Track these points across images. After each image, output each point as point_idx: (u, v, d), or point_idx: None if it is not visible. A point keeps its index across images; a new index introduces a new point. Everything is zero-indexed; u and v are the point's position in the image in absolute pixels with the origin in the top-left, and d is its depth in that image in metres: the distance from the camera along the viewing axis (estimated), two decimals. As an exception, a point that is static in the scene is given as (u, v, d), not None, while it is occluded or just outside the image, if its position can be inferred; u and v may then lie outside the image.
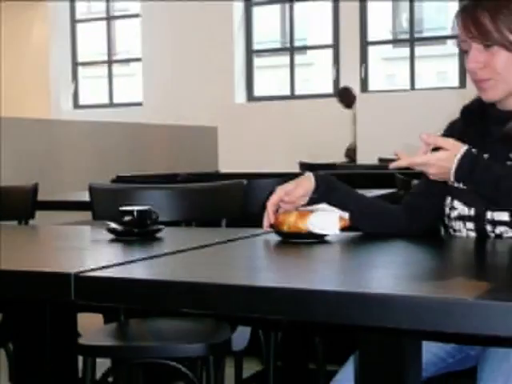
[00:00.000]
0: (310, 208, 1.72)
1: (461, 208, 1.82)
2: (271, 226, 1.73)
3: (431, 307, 1.05)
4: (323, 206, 1.74)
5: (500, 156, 1.76)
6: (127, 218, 1.79)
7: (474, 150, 1.68)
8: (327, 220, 1.65)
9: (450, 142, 1.67)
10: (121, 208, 1.83)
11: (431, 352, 1.79)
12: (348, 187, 1.88)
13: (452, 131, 1.89)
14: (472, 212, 1.79)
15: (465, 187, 1.78)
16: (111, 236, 1.80)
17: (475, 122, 1.84)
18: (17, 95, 9.01)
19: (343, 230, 1.68)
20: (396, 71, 8.98)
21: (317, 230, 1.64)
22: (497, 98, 1.77)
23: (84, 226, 2.71)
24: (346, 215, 1.70)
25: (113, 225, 1.82)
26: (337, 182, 1.86)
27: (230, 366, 3.19)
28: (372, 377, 1.45)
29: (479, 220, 1.78)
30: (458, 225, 1.83)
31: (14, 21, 9.22)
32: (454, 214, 1.83)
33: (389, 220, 1.83)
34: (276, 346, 2.73)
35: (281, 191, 1.77)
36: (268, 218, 1.75)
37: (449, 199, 1.84)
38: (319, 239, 1.64)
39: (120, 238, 1.80)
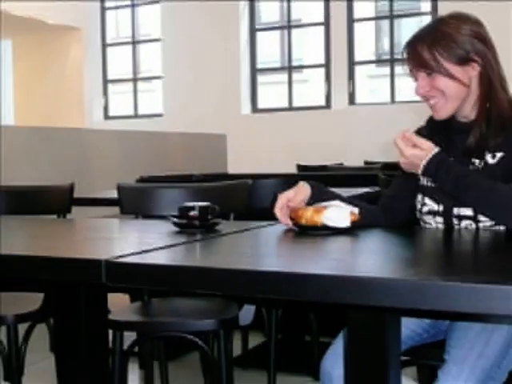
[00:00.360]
0: (324, 204, 1.71)
1: (431, 204, 1.81)
2: (291, 218, 1.72)
3: (409, 288, 1.04)
4: (336, 202, 1.73)
5: (462, 160, 1.76)
6: (191, 213, 1.75)
7: (442, 153, 1.68)
8: (340, 215, 1.63)
9: (425, 143, 1.68)
10: (185, 204, 1.80)
11: (409, 328, 1.79)
12: (333, 191, 1.88)
13: (427, 131, 1.89)
14: (441, 208, 1.79)
15: (434, 185, 1.79)
16: (175, 229, 1.78)
17: (439, 132, 1.83)
18: (56, 108, 9.02)
19: (354, 223, 1.65)
20: (379, 87, 8.94)
21: (330, 224, 1.62)
22: (447, 115, 1.77)
23: (114, 218, 2.71)
24: (356, 210, 1.68)
25: (176, 219, 1.79)
26: (325, 187, 1.86)
27: (238, 338, 3.19)
28: (359, 348, 1.45)
29: (447, 215, 1.77)
30: (428, 219, 1.82)
31: (54, 44, 9.23)
32: (425, 209, 1.82)
33: (369, 218, 1.82)
34: (277, 321, 2.72)
35: (284, 198, 1.75)
36: (284, 219, 1.74)
37: (420, 196, 1.84)
38: (332, 231, 1.63)
39: (183, 230, 1.77)
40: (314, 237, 1.62)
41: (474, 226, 1.72)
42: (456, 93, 1.73)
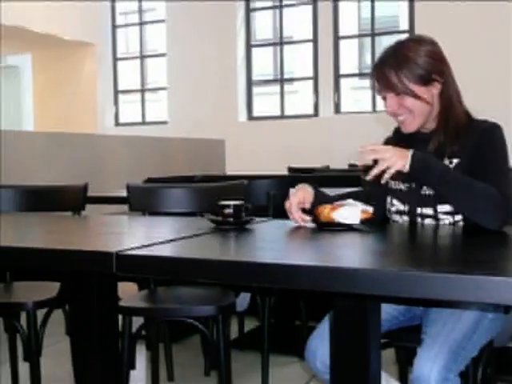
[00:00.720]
0: (339, 202, 1.70)
1: (398, 204, 1.83)
2: (311, 213, 1.71)
3: (389, 278, 1.05)
4: (350, 201, 1.72)
5: None
6: (227, 211, 1.70)
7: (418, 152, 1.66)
8: (350, 213, 1.61)
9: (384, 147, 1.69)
10: (221, 202, 1.74)
11: (387, 312, 1.80)
12: (324, 191, 1.88)
13: (395, 138, 1.90)
14: (406, 208, 1.81)
15: (401, 188, 1.79)
16: (212, 225, 1.73)
17: (405, 140, 1.83)
18: (72, 115, 8.99)
19: (367, 220, 1.63)
20: (361, 97, 8.95)
21: (342, 221, 1.62)
22: (415, 129, 1.78)
23: (123, 215, 2.70)
24: (370, 209, 1.66)
25: (213, 216, 1.75)
26: (318, 188, 1.86)
27: (234, 323, 3.20)
28: (343, 330, 1.45)
29: (411, 214, 1.79)
30: (396, 217, 1.84)
31: (70, 58, 9.21)
32: (393, 209, 1.84)
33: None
34: (270, 307, 2.73)
35: (295, 199, 1.74)
36: (300, 217, 1.72)
37: (389, 198, 1.85)
38: (345, 228, 1.61)
39: (219, 227, 1.72)
40: (305, 232, 1.62)
41: (434, 223, 1.74)
42: (422, 110, 1.75)
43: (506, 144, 1.73)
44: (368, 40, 8.15)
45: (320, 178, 4.00)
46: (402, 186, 1.82)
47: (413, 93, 1.72)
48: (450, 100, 1.77)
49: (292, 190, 1.79)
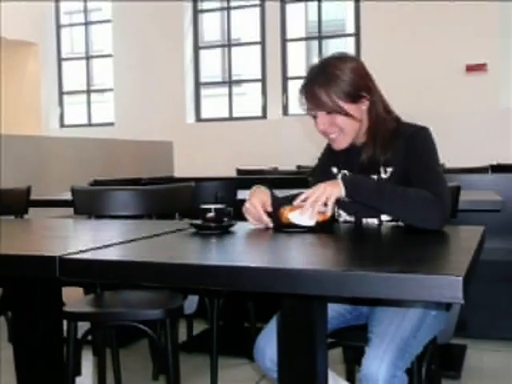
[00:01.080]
0: (298, 202, 1.67)
1: (344, 215, 1.87)
2: (270, 216, 1.70)
3: (332, 278, 1.06)
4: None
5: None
6: (209, 215, 1.65)
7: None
8: (305, 215, 1.61)
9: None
10: (202, 206, 1.69)
11: (334, 310, 1.83)
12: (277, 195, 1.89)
13: (331, 149, 1.92)
14: (352, 218, 1.85)
15: (345, 200, 1.81)
16: (193, 230, 1.68)
17: (338, 154, 1.88)
18: (15, 117, 8.78)
19: (324, 222, 1.63)
20: (309, 99, 9.02)
21: (297, 222, 1.62)
22: (345, 146, 1.81)
23: (68, 218, 2.65)
24: (329, 211, 1.64)
25: (195, 221, 1.70)
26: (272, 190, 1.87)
27: (183, 326, 3.18)
28: (289, 330, 1.46)
29: (358, 224, 1.84)
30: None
31: (12, 58, 8.98)
32: (341, 219, 1.88)
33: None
34: (218, 309, 2.72)
35: (258, 202, 1.72)
36: (265, 218, 1.70)
37: (336, 207, 1.89)
38: (302, 230, 1.61)
39: (200, 231, 1.66)
40: (255, 233, 1.62)
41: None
42: (352, 127, 1.78)
43: (435, 145, 1.78)
44: (315, 43, 8.25)
45: (268, 180, 4.02)
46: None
47: (344, 111, 1.74)
48: (378, 115, 1.81)
49: (249, 192, 1.78)
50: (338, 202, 1.85)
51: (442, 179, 1.69)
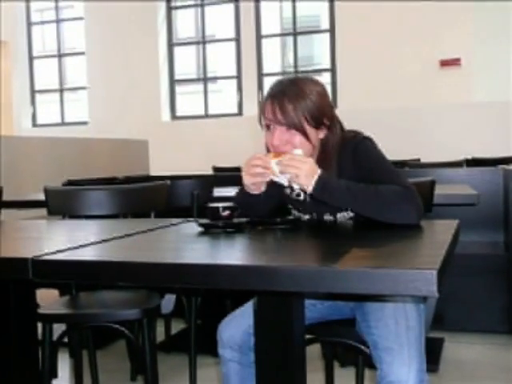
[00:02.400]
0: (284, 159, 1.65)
1: (297, 214, 1.88)
2: None
3: (308, 274, 1.06)
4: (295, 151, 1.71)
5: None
6: (225, 213, 1.59)
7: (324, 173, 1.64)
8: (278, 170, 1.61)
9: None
10: (209, 205, 1.64)
11: (312, 303, 1.84)
12: None
13: None
14: (307, 217, 1.85)
15: (300, 199, 1.81)
16: (201, 229, 1.62)
17: None
18: (-15, 117, 8.68)
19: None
20: (285, 96, 9.03)
21: (274, 178, 1.64)
22: None
23: (42, 219, 2.63)
24: (283, 181, 1.65)
25: (202, 220, 1.63)
26: None
27: (161, 325, 3.17)
28: (267, 327, 1.47)
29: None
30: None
31: (-19, 57, 8.89)
32: (292, 217, 1.87)
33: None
34: (196, 308, 2.72)
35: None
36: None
37: (290, 206, 1.89)
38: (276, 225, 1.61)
39: (208, 230, 1.60)
40: (228, 232, 1.61)
41: None
42: (306, 151, 1.74)
43: (379, 150, 1.78)
44: (290, 39, 8.26)
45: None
46: (301, 197, 1.84)
47: (304, 132, 1.71)
48: (331, 147, 1.78)
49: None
50: (290, 200, 1.86)
51: (400, 174, 1.70)
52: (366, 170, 1.72)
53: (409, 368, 1.55)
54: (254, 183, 1.72)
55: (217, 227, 1.58)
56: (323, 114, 1.75)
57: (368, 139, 1.79)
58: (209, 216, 1.62)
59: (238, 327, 1.77)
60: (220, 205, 1.61)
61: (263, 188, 1.74)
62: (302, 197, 1.84)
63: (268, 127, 1.76)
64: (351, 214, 1.78)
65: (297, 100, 1.71)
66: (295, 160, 1.63)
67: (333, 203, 1.63)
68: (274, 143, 1.74)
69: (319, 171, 1.62)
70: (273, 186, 1.74)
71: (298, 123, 1.71)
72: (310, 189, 1.61)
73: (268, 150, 1.83)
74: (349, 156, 1.75)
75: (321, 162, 1.77)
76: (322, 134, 1.78)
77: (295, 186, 1.65)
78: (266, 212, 1.83)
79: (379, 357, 1.60)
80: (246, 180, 1.73)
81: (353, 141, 1.78)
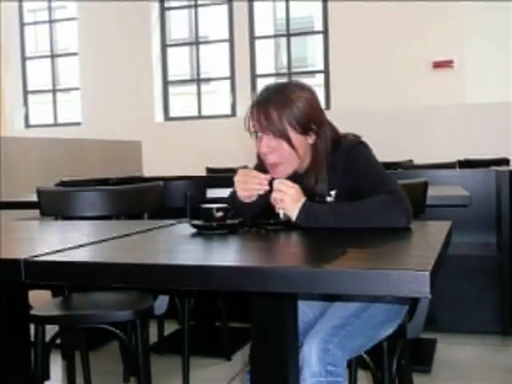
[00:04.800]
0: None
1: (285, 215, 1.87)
2: None
3: (302, 275, 1.06)
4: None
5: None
6: (218, 214, 1.57)
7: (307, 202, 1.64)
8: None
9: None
10: (202, 206, 1.62)
11: (304, 321, 1.83)
12: None
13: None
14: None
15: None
16: (194, 230, 1.62)
17: None
18: (-23, 117, 8.65)
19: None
20: (278, 97, 9.04)
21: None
22: (284, 177, 1.75)
23: (34, 220, 2.62)
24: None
25: (195, 221, 1.62)
26: None
27: (154, 326, 3.16)
28: (261, 328, 1.47)
29: None
30: None
31: (-27, 57, 8.85)
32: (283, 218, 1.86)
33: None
34: (189, 309, 2.72)
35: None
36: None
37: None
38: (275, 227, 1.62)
39: (201, 231, 1.59)
40: (222, 233, 1.60)
41: None
42: (294, 160, 1.76)
43: (371, 154, 1.78)
44: (284, 40, 8.27)
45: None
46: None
47: (289, 140, 1.72)
48: (322, 153, 1.78)
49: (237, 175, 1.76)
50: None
51: (389, 177, 1.70)
52: (357, 175, 1.73)
53: (312, 341, 1.56)
54: (248, 196, 1.75)
55: (210, 228, 1.58)
56: (310, 120, 1.74)
57: (362, 144, 1.79)
58: (202, 217, 1.62)
59: None
60: (213, 206, 1.60)
61: (255, 198, 1.75)
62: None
63: (256, 134, 1.77)
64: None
65: (282, 107, 1.71)
66: (283, 184, 1.64)
67: (319, 226, 1.61)
68: (261, 150, 1.75)
69: (303, 199, 1.63)
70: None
71: (282, 131, 1.71)
72: (294, 216, 1.62)
73: (259, 158, 1.84)
74: (342, 161, 1.76)
75: (311, 167, 1.78)
76: (311, 140, 1.78)
77: (280, 212, 1.65)
78: (258, 212, 1.84)
79: None
80: (240, 194, 1.75)
81: (347, 145, 1.78)
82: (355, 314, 1.67)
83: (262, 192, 1.71)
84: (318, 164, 1.78)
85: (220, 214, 1.59)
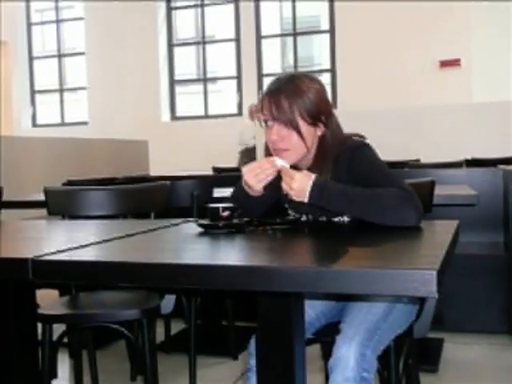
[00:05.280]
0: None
1: (293, 214, 1.87)
2: None
3: (308, 275, 1.06)
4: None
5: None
6: (225, 213, 1.56)
7: (319, 177, 1.64)
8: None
9: (299, 176, 1.64)
10: (209, 205, 1.62)
11: (311, 315, 1.83)
12: None
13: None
14: (303, 218, 1.85)
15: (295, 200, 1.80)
16: (200, 230, 1.61)
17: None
18: (-15, 117, 8.68)
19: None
20: (285, 96, 9.04)
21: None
22: (290, 164, 1.75)
23: (41, 219, 2.63)
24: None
25: (202, 220, 1.62)
26: None
27: (161, 326, 3.17)
28: (268, 327, 1.47)
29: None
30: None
31: (-19, 57, 8.89)
32: (291, 217, 1.87)
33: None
34: (196, 308, 2.72)
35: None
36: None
37: (287, 206, 1.89)
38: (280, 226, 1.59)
39: (208, 231, 1.58)
40: (228, 233, 1.60)
41: None
42: (301, 150, 1.77)
43: (376, 156, 1.78)
44: (290, 39, 8.26)
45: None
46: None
47: (299, 130, 1.73)
48: (328, 145, 1.79)
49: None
50: (288, 201, 1.85)
51: (397, 177, 1.70)
52: (361, 176, 1.72)
53: (350, 342, 1.55)
54: (262, 186, 1.73)
55: (217, 228, 1.58)
56: (320, 111, 1.76)
57: (366, 146, 1.79)
58: (209, 216, 1.62)
59: None
60: (220, 205, 1.60)
61: (262, 190, 1.75)
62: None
63: (266, 123, 1.79)
64: (347, 219, 1.76)
65: (293, 97, 1.72)
66: (289, 170, 1.65)
67: (330, 208, 1.62)
68: (271, 138, 1.77)
69: (313, 175, 1.63)
70: (270, 186, 1.75)
71: (293, 120, 1.73)
72: (307, 191, 1.60)
73: (267, 149, 1.84)
74: (345, 161, 1.76)
75: (319, 159, 1.78)
76: (319, 132, 1.79)
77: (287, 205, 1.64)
78: (264, 212, 1.83)
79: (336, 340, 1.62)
80: (255, 185, 1.73)
81: (351, 146, 1.78)
82: (383, 317, 1.67)
83: (274, 173, 1.70)
84: (324, 156, 1.78)
85: (226, 213, 1.59)
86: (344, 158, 1.76)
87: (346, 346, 1.55)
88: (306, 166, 1.82)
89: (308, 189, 1.61)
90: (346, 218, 1.76)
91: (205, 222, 1.62)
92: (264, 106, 1.77)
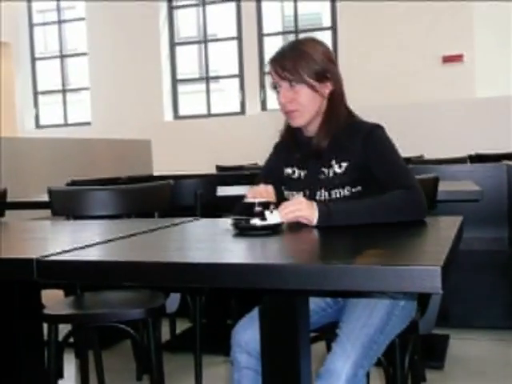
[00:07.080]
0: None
1: (288, 193, 1.87)
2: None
3: (313, 272, 1.06)
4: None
5: (314, 170, 1.81)
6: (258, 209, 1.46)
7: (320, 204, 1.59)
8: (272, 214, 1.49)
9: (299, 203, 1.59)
10: (244, 200, 1.53)
11: (315, 303, 1.84)
12: None
13: (281, 148, 1.97)
14: (300, 194, 1.83)
15: (299, 176, 1.83)
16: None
17: (289, 150, 1.91)
18: (-12, 119, 8.69)
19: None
20: (287, 94, 9.04)
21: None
22: (303, 123, 1.82)
23: (46, 220, 2.63)
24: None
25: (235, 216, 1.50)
26: None
27: (166, 325, 3.18)
28: (272, 326, 1.47)
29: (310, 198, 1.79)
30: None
31: (-17, 59, 8.90)
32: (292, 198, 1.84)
33: None
34: (201, 307, 2.72)
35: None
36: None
37: (287, 192, 1.88)
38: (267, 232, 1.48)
39: (244, 233, 1.48)
40: (230, 232, 1.60)
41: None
42: (313, 105, 1.80)
43: (391, 140, 1.79)
44: (292, 37, 8.26)
45: (248, 176, 4.03)
46: (302, 173, 1.85)
47: (308, 83, 1.77)
48: (337, 102, 1.83)
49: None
50: (290, 182, 1.86)
51: (408, 171, 1.71)
52: (376, 156, 1.73)
53: (347, 358, 1.54)
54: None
55: (254, 229, 1.46)
56: (326, 70, 1.79)
57: (383, 127, 1.81)
58: (240, 211, 1.51)
59: (257, 330, 1.66)
60: (256, 200, 1.51)
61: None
62: (296, 175, 1.86)
63: (278, 92, 1.82)
64: (347, 193, 1.76)
65: (297, 57, 1.78)
66: (288, 203, 1.60)
67: (340, 224, 1.57)
68: (280, 102, 1.82)
69: (314, 203, 1.58)
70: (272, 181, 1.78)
71: (298, 77, 1.77)
72: (314, 222, 1.55)
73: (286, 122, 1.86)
74: (361, 137, 1.77)
75: (328, 117, 1.81)
76: (327, 89, 1.82)
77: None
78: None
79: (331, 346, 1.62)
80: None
81: (370, 124, 1.80)
82: (380, 328, 1.65)
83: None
84: (333, 114, 1.81)
85: (261, 208, 1.48)
86: (359, 137, 1.77)
87: (342, 362, 1.54)
88: (313, 131, 1.84)
89: (315, 215, 1.55)
90: (346, 192, 1.76)
91: (239, 218, 1.50)
92: (271, 73, 1.83)
